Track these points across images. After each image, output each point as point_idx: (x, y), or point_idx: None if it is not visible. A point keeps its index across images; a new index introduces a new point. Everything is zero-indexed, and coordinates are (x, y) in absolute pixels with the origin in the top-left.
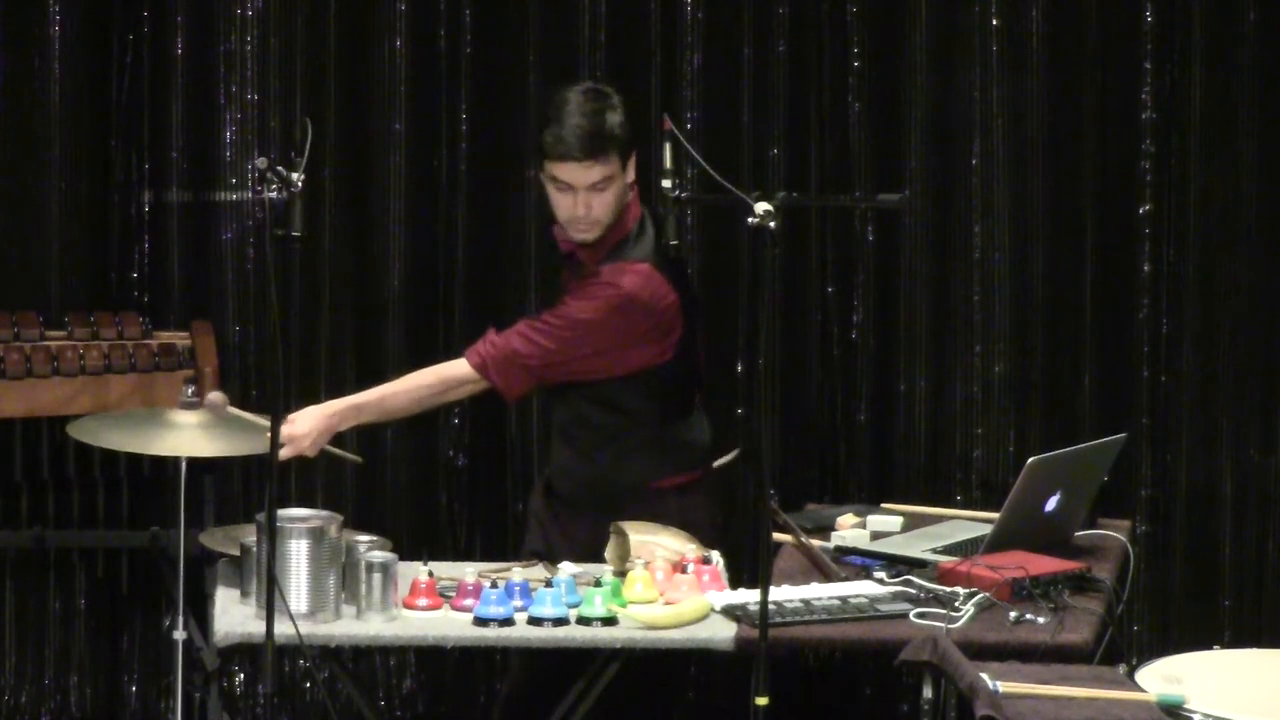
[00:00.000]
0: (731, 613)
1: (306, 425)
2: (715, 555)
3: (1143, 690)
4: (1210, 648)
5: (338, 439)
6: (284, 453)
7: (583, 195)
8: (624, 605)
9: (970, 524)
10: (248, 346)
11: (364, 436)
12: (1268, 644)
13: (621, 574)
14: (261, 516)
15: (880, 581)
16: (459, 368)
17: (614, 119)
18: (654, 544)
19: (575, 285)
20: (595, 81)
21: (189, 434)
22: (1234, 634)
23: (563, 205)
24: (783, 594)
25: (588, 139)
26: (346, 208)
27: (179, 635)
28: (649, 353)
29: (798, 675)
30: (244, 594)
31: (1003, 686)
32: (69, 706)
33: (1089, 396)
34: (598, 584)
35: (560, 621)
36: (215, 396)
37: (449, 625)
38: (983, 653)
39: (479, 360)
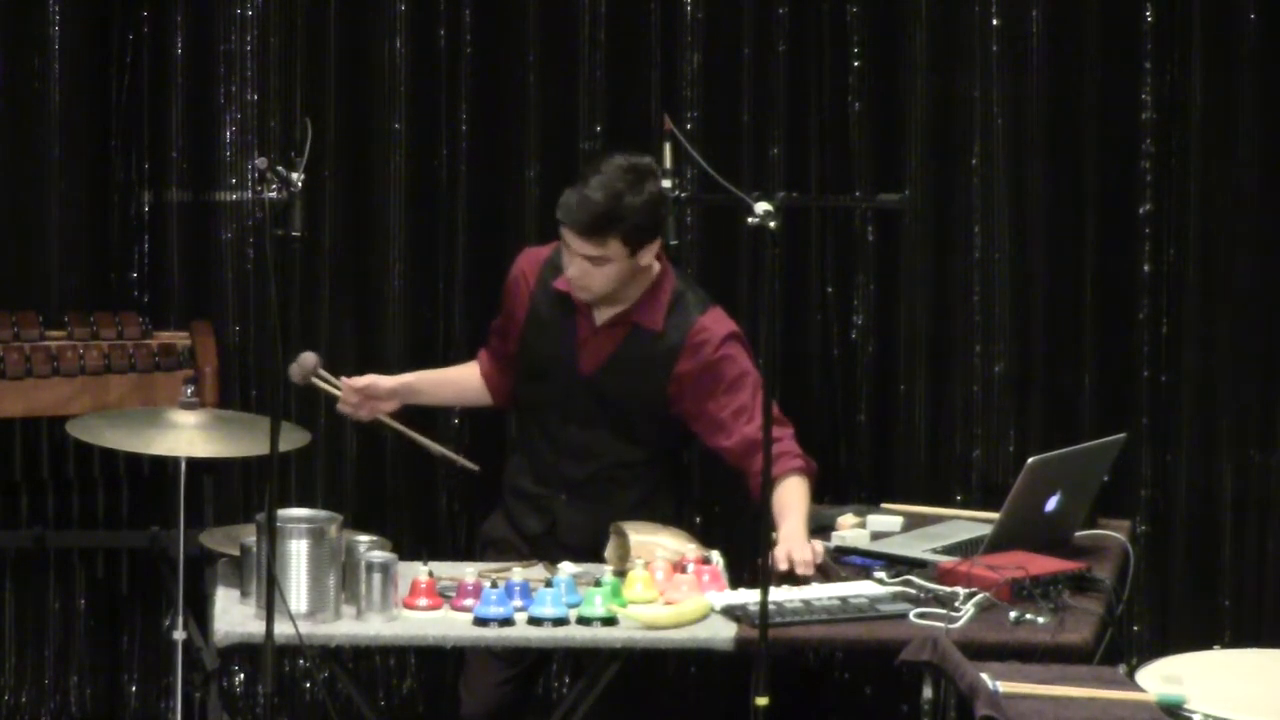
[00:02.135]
0: (731, 613)
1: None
2: (715, 555)
3: (1143, 690)
4: (1210, 648)
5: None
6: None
7: (578, 262)
8: (624, 605)
9: (970, 524)
10: (248, 346)
11: (364, 437)
12: (1268, 644)
13: (621, 574)
14: (261, 516)
15: (880, 581)
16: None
17: (633, 203)
18: (654, 544)
19: (697, 351)
20: (640, 156)
21: (189, 434)
22: (1234, 634)
23: (566, 262)
24: (783, 594)
25: (591, 217)
26: (346, 208)
27: (179, 635)
28: None
29: (798, 675)
30: (244, 594)
31: (1003, 686)
32: (69, 706)
33: (1089, 396)
34: (598, 584)
35: (560, 621)
36: (307, 357)
37: (449, 625)
38: (983, 653)
39: (806, 465)
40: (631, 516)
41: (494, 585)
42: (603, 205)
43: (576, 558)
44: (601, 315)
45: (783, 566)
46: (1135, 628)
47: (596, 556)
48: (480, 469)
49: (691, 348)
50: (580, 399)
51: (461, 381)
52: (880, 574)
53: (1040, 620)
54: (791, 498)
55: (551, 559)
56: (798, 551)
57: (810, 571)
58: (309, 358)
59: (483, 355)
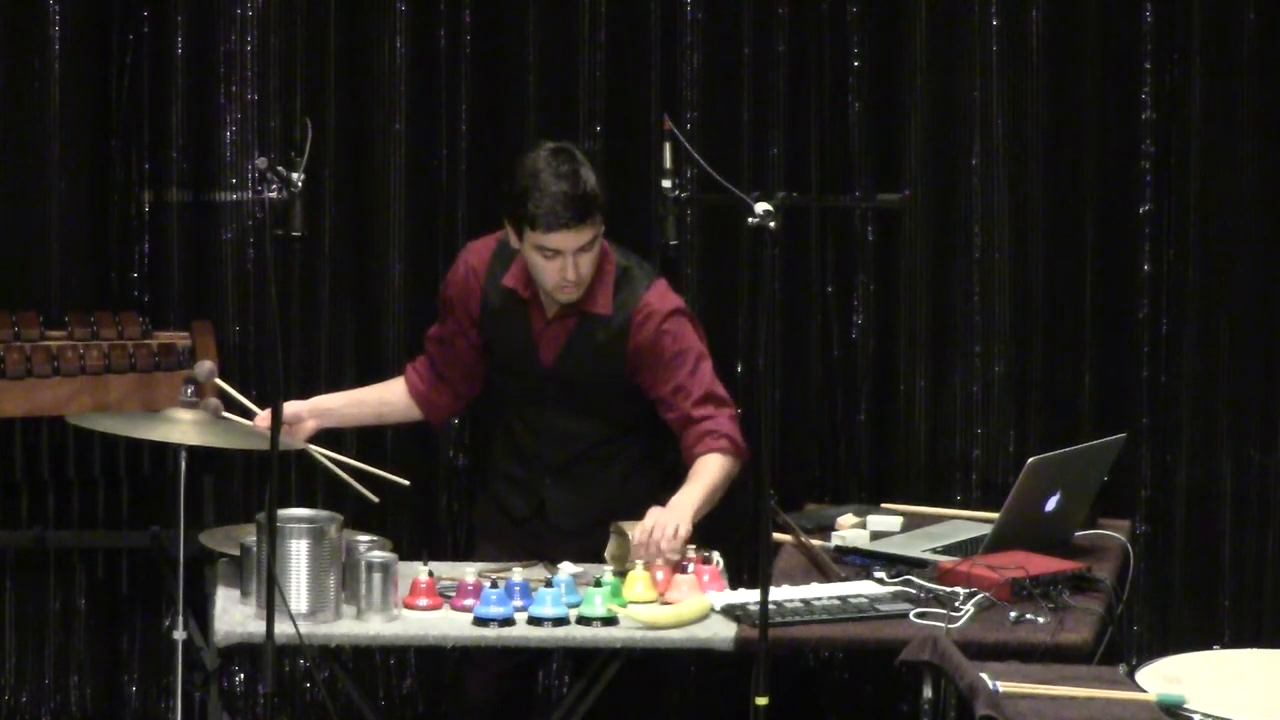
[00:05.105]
0: (731, 613)
1: None
2: (715, 555)
3: (1143, 690)
4: (1210, 648)
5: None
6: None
7: (571, 258)
8: (624, 605)
9: (970, 524)
10: (248, 346)
11: (364, 437)
12: (1268, 644)
13: (621, 574)
14: (261, 516)
15: (880, 581)
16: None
17: (589, 176)
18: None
19: (641, 329)
20: (557, 141)
21: (189, 430)
22: (1234, 634)
23: (550, 271)
24: (783, 594)
25: (576, 204)
26: (346, 208)
27: (179, 635)
28: None
29: (798, 675)
30: (244, 594)
31: (1003, 686)
32: (69, 706)
33: (1089, 396)
34: (598, 584)
35: (560, 621)
36: (204, 365)
37: (449, 625)
38: (983, 653)
39: (732, 446)
40: (617, 492)
41: (494, 585)
42: (574, 189)
43: (566, 539)
44: (551, 307)
45: (635, 534)
46: (1135, 628)
47: (585, 537)
48: (410, 484)
49: (637, 325)
50: (550, 388)
51: (383, 400)
52: (880, 574)
53: (1040, 620)
54: (696, 470)
55: (541, 541)
56: (662, 520)
57: (650, 548)
58: (204, 365)
59: (412, 371)
